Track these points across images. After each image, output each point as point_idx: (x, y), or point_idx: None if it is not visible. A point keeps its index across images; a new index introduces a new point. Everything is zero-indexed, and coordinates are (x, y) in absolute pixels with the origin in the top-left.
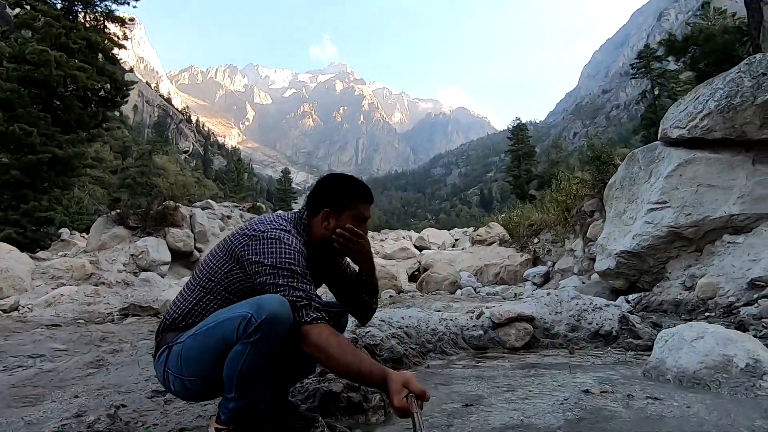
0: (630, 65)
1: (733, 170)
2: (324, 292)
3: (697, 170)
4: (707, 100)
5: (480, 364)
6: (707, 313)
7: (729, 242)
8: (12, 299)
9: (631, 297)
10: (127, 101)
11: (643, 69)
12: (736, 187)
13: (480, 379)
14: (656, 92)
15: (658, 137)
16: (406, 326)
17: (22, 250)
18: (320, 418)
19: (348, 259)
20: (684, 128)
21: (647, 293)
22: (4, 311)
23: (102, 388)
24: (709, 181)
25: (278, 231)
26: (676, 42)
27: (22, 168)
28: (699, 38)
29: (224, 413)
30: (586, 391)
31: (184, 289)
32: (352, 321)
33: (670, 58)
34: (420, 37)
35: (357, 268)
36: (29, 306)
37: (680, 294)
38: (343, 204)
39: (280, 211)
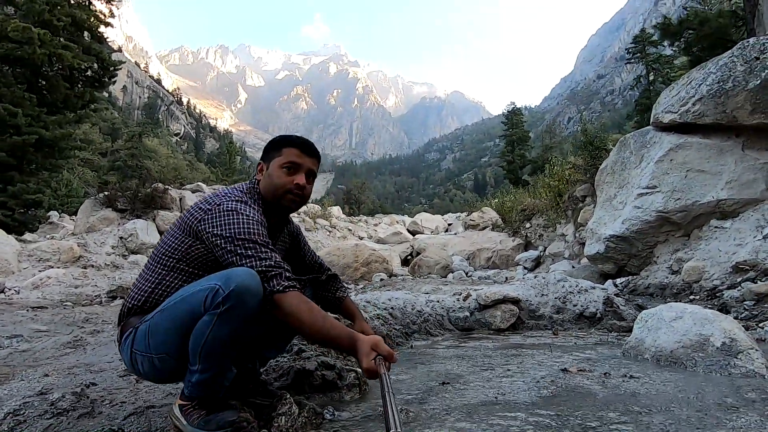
0: (626, 50)
1: (723, 156)
2: None
3: (687, 155)
4: (699, 85)
5: (463, 344)
6: (692, 296)
7: (716, 227)
8: None
9: (619, 281)
10: (115, 82)
11: (639, 54)
12: (725, 172)
13: (461, 359)
14: (651, 77)
15: (650, 122)
16: (392, 308)
17: (9, 233)
18: (288, 396)
19: (305, 238)
20: (676, 113)
21: (635, 277)
22: None
23: (74, 367)
24: (698, 166)
25: (233, 202)
26: (671, 25)
27: (7, 150)
28: (694, 22)
29: (188, 387)
30: (564, 370)
31: (143, 271)
32: None
33: (665, 43)
34: (415, 18)
35: (316, 252)
36: (15, 288)
37: (666, 278)
38: (271, 154)
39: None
